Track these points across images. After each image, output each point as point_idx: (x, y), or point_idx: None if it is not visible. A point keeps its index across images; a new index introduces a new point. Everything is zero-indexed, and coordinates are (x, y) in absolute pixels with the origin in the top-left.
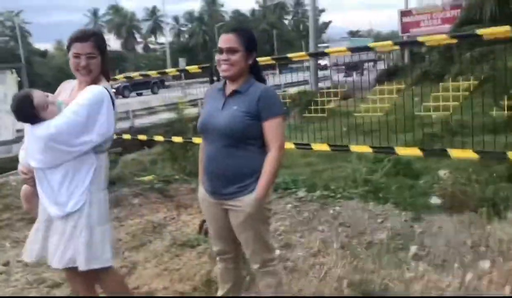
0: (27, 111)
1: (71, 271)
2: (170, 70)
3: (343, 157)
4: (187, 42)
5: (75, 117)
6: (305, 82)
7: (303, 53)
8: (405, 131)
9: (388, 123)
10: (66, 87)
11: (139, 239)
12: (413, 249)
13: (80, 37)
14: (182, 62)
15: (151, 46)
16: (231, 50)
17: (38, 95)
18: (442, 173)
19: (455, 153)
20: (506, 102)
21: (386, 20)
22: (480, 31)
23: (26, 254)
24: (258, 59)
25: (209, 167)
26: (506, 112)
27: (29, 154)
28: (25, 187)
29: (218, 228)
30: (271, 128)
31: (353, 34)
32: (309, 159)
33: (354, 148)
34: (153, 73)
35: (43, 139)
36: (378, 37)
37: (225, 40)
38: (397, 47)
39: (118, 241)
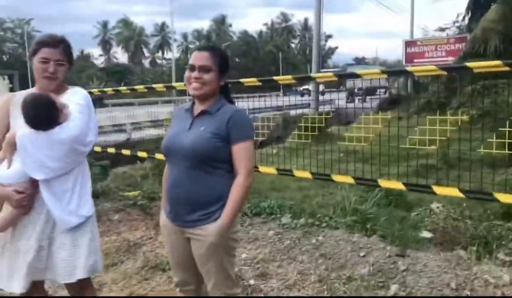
0: (52, 115)
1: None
2: (158, 86)
3: (336, 183)
4: None
5: (84, 116)
6: (307, 105)
7: (289, 76)
8: (389, 163)
9: (371, 154)
10: (15, 101)
11: (112, 258)
12: (394, 288)
13: (50, 42)
14: None
15: (158, 61)
16: (204, 69)
17: (52, 96)
18: (435, 206)
19: (439, 190)
20: (494, 140)
21: (393, 48)
22: (470, 64)
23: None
24: (253, 78)
25: (172, 191)
26: (494, 150)
27: (34, 167)
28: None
29: (178, 257)
30: (240, 151)
31: (359, 60)
32: (302, 184)
33: (336, 178)
34: (140, 88)
35: (68, 142)
36: (385, 65)
37: (198, 57)
38: (384, 76)
39: None
